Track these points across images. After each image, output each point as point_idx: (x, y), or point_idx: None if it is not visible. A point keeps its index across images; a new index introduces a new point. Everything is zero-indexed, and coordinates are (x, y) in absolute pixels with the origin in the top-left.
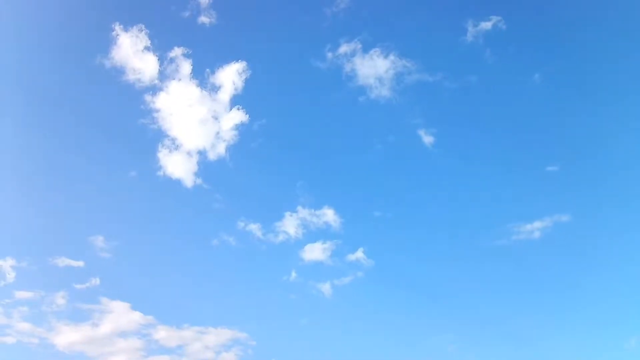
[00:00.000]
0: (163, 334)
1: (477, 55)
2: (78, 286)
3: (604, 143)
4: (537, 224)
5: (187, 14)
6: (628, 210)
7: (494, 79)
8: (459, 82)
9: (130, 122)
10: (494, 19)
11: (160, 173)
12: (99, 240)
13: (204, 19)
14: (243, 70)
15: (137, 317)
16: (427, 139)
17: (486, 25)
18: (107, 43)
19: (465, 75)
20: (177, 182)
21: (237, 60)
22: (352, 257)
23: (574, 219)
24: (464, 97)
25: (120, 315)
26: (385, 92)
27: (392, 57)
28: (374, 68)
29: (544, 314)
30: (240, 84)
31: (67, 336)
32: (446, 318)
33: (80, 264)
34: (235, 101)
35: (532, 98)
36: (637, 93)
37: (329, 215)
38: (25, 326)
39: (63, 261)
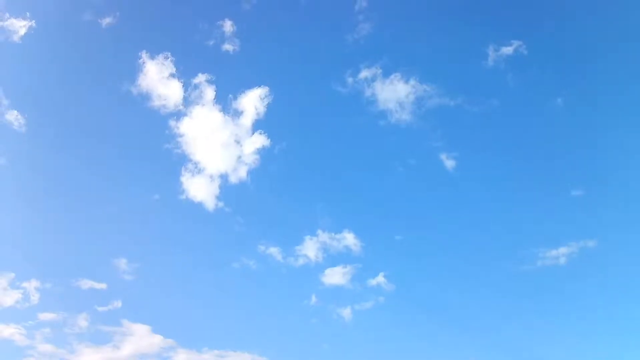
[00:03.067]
0: (183, 357)
1: (499, 79)
2: (100, 308)
3: (629, 166)
4: (563, 250)
5: (211, 42)
6: None
7: (515, 103)
8: (480, 106)
9: (155, 146)
10: (515, 43)
11: (183, 197)
12: (122, 263)
13: (227, 47)
14: (265, 96)
15: (157, 340)
16: (449, 163)
17: (507, 49)
18: (134, 70)
19: (486, 100)
20: (199, 206)
21: (259, 86)
22: (372, 281)
23: (600, 244)
24: (486, 121)
25: (141, 338)
26: (405, 116)
27: (412, 81)
28: (394, 92)
29: (569, 341)
30: (262, 108)
31: (88, 358)
32: (469, 344)
33: (103, 286)
34: (257, 126)
35: (555, 122)
36: None
37: (349, 239)
38: (47, 348)
39: (86, 283)
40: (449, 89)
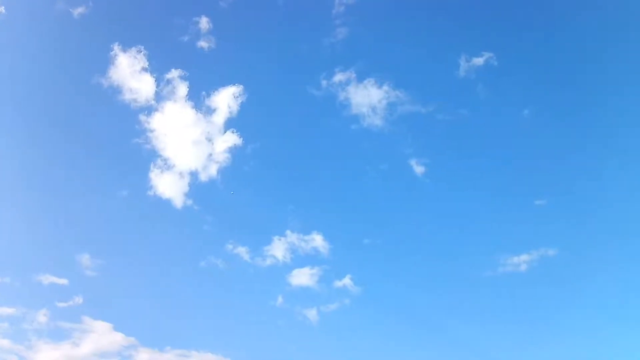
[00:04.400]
0: (144, 356)
1: (469, 89)
2: (60, 304)
3: (591, 178)
4: (524, 257)
5: (186, 37)
6: (613, 245)
7: (484, 113)
8: (450, 115)
9: (124, 141)
10: (486, 54)
11: (151, 193)
12: (85, 259)
13: (202, 44)
14: (239, 94)
15: (119, 338)
16: (418, 169)
17: (478, 60)
18: (105, 62)
19: (457, 108)
20: (167, 202)
21: (233, 84)
22: (339, 283)
23: (561, 253)
24: (455, 129)
25: (101, 335)
26: (378, 121)
27: (385, 87)
28: (367, 97)
29: (528, 345)
30: (235, 107)
31: (46, 354)
32: (431, 346)
33: (65, 281)
34: (230, 124)
35: (522, 133)
36: (623, 131)
37: (318, 240)
38: (4, 343)
39: (47, 278)
40: (421, 97)
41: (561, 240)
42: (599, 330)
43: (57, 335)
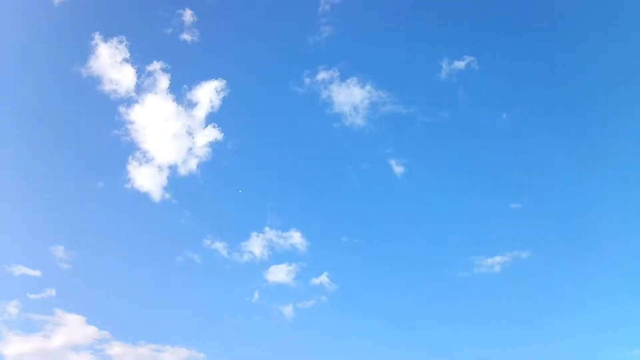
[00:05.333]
0: (117, 350)
1: (450, 92)
2: (32, 296)
3: (567, 183)
4: (498, 259)
5: (169, 30)
6: (586, 249)
7: (464, 116)
8: (431, 117)
9: (102, 132)
10: (468, 58)
11: (128, 185)
12: (58, 250)
13: (186, 36)
14: (221, 89)
15: (91, 331)
16: (398, 169)
17: (460, 64)
18: (85, 52)
19: (437, 111)
20: (145, 196)
21: (215, 79)
22: (316, 280)
23: (533, 256)
24: (435, 131)
25: (74, 328)
26: (359, 120)
27: (368, 87)
28: (350, 96)
29: (500, 344)
30: (217, 102)
31: (16, 347)
32: (407, 345)
33: (37, 273)
34: (211, 119)
35: (499, 137)
36: (599, 137)
37: (296, 237)
38: None
39: (19, 269)
40: (403, 98)
41: (534, 243)
42: (569, 332)
43: (28, 328)
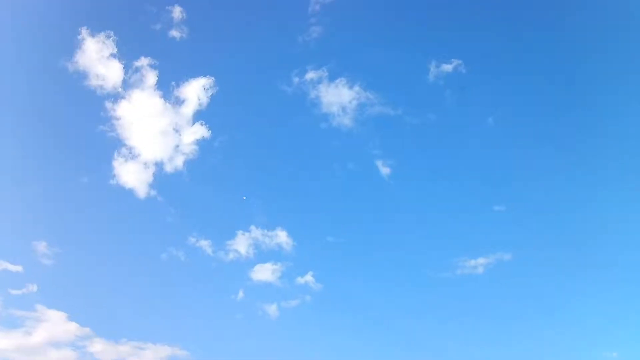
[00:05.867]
0: (99, 347)
1: (437, 94)
2: (14, 291)
3: (549, 186)
4: (481, 260)
5: (158, 26)
6: (566, 252)
7: (450, 119)
8: (418, 118)
9: (88, 127)
10: (455, 62)
11: (113, 182)
12: (41, 246)
13: (174, 33)
14: (209, 86)
15: (73, 328)
16: (384, 170)
17: (447, 67)
18: (72, 46)
19: (424, 113)
20: (130, 192)
21: (204, 76)
22: (301, 280)
23: (515, 258)
24: (422, 133)
25: (55, 324)
26: (347, 121)
27: (356, 87)
28: (338, 97)
29: (483, 345)
30: (205, 99)
31: None
32: (390, 345)
33: (19, 268)
34: (199, 116)
35: (485, 140)
36: (582, 141)
37: (282, 236)
38: None
39: (1, 265)
40: (391, 99)
41: (517, 245)
42: (550, 334)
43: (8, 323)
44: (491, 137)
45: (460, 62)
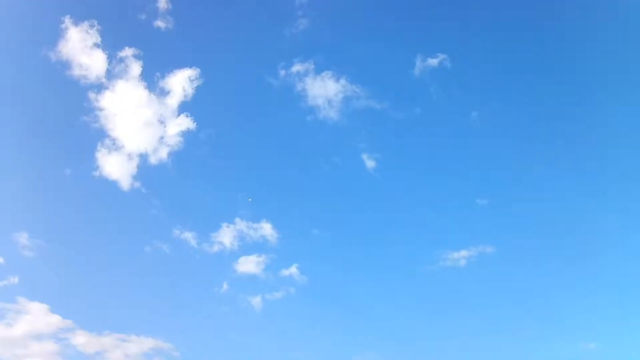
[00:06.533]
0: (81, 339)
1: (423, 89)
2: None
3: (532, 181)
4: (464, 253)
5: (143, 16)
6: (547, 246)
7: (436, 113)
8: (404, 112)
9: (70, 118)
10: (441, 56)
11: (97, 173)
12: (22, 237)
13: (159, 23)
14: (195, 78)
15: (55, 320)
16: (370, 163)
17: (433, 61)
18: (54, 35)
19: (410, 107)
20: (113, 184)
21: (189, 67)
22: (285, 272)
23: (498, 250)
24: (408, 127)
25: (37, 317)
26: (333, 114)
27: (343, 81)
28: (324, 90)
29: (464, 336)
30: (190, 90)
31: None
32: (372, 338)
33: (0, 260)
34: (184, 108)
35: (469, 134)
36: (565, 137)
37: (267, 229)
38: None
39: None
40: (377, 93)
41: (499, 238)
42: (530, 325)
43: None
44: (475, 131)
45: (445, 56)
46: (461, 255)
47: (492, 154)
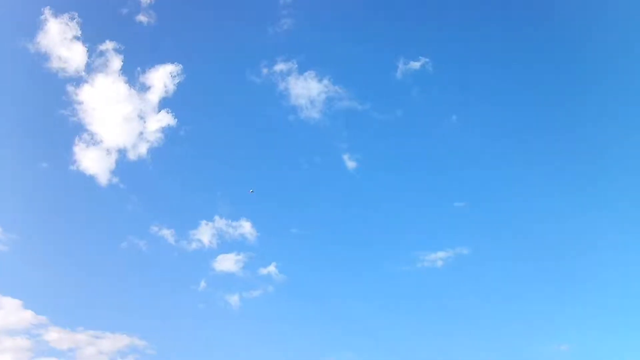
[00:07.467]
0: (54, 335)
1: (405, 91)
2: None
3: (508, 184)
4: (441, 254)
5: (125, 10)
6: (522, 249)
7: (417, 116)
8: (385, 114)
9: (48, 111)
10: (423, 60)
11: (74, 167)
12: None
13: (142, 18)
14: (176, 74)
15: (28, 316)
16: (350, 164)
17: (415, 64)
18: (33, 27)
19: (392, 109)
20: (91, 179)
21: (171, 63)
22: (264, 270)
23: (472, 253)
24: (389, 128)
25: (9, 312)
26: (315, 114)
27: (325, 81)
28: (307, 89)
29: (440, 336)
30: (171, 86)
31: None
32: (350, 337)
33: None
34: (165, 103)
35: (448, 137)
36: (542, 142)
37: (246, 227)
38: None
39: None
40: (359, 94)
41: (474, 240)
42: (503, 326)
43: None
44: (454, 135)
45: (427, 60)
46: (438, 257)
47: (470, 158)
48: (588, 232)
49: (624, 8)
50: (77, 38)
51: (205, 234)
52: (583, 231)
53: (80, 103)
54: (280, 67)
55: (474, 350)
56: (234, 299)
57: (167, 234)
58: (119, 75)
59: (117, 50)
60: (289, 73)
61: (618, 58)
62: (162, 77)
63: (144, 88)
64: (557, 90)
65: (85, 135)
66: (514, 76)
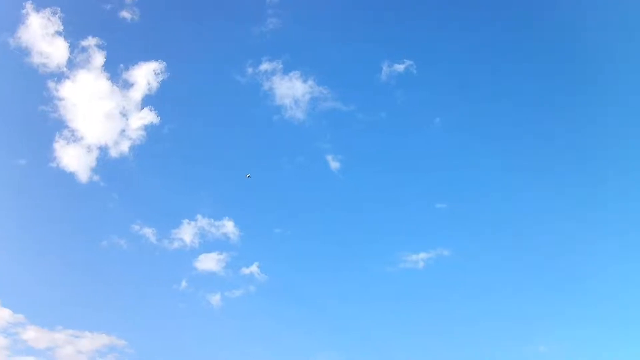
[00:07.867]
0: (32, 334)
1: (389, 93)
2: None
3: (490, 186)
4: (422, 255)
5: (108, 6)
6: (502, 251)
7: (400, 118)
8: (369, 116)
9: (28, 107)
10: (407, 62)
11: (53, 164)
12: None
13: (125, 14)
14: (160, 71)
15: (5, 314)
16: (334, 165)
17: (399, 67)
18: (14, 21)
19: (376, 111)
20: (71, 176)
21: (155, 60)
22: (246, 270)
23: (453, 254)
24: (372, 130)
25: None
26: (299, 114)
27: (310, 82)
28: (292, 90)
29: (422, 336)
30: (155, 84)
31: None
32: (332, 337)
33: None
34: (148, 101)
35: (431, 139)
36: (524, 145)
37: (229, 226)
38: None
39: None
40: (343, 95)
41: (455, 242)
42: (482, 327)
43: None
44: (437, 137)
45: (411, 62)
46: (420, 258)
47: (452, 160)
48: (569, 233)
49: (603, 8)
50: (59, 33)
51: (187, 233)
52: (564, 232)
53: (61, 99)
54: (265, 66)
55: (454, 350)
56: (215, 299)
57: (149, 232)
58: (102, 72)
59: (100, 47)
60: (273, 73)
61: (603, 58)
62: (145, 75)
63: (126, 85)
64: (540, 92)
65: (65, 132)
66: (497, 79)
